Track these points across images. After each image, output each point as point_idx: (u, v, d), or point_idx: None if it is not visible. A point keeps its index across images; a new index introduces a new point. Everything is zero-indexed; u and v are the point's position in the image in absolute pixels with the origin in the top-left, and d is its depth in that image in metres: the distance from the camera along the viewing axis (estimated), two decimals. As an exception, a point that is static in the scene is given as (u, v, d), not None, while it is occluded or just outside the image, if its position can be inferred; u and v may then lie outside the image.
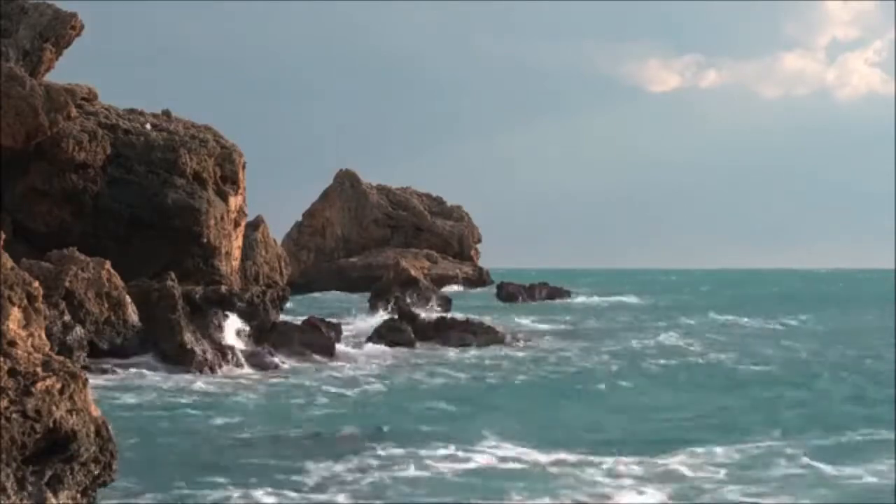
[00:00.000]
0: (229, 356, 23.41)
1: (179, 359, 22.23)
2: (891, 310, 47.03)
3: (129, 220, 28.81)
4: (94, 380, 16.54)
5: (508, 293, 59.64)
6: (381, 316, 35.20)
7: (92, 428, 7.27)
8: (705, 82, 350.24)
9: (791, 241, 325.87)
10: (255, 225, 37.13)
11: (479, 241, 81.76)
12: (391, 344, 28.17)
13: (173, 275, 24.09)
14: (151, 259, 27.58)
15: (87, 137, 28.32)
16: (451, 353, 27.04)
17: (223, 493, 10.90)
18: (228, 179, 31.00)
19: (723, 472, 12.13)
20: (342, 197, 79.06)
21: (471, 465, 12.38)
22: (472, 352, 27.36)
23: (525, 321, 39.02)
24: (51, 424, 7.01)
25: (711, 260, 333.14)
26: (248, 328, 25.27)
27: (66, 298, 21.32)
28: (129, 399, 17.73)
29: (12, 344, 7.26)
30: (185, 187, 29.57)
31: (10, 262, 7.74)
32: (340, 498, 10.85)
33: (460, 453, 12.97)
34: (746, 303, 59.05)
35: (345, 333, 29.98)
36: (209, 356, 23.00)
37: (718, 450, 13.40)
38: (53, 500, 7.00)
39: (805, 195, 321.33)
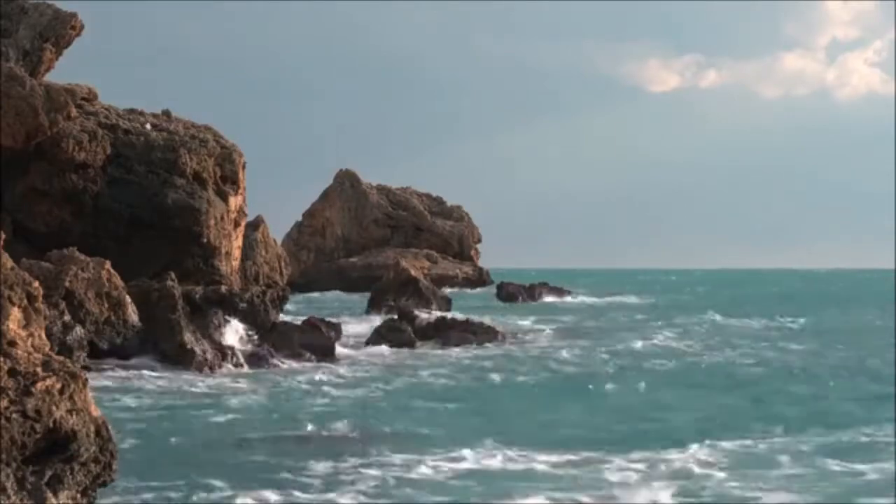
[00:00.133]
0: (229, 356, 23.41)
1: (179, 359, 22.22)
2: (891, 309, 47.04)
3: (129, 220, 28.81)
4: (93, 380, 16.53)
5: (508, 293, 59.66)
6: (381, 316, 35.20)
7: (92, 428, 7.27)
8: (705, 82, 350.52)
9: (791, 241, 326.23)
10: (255, 225, 37.15)
11: (479, 241, 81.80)
12: (391, 344, 28.17)
13: (173, 275, 24.09)
14: (151, 259, 27.58)
15: (87, 137, 28.33)
16: (451, 352, 27.03)
17: (223, 494, 10.89)
18: (228, 179, 31.01)
19: (725, 469, 12.12)
20: (342, 197, 79.08)
21: (472, 466, 12.36)
22: (472, 352, 27.35)
23: (525, 321, 39.01)
24: (51, 424, 7.00)
25: (711, 260, 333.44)
26: (247, 328, 25.28)
27: (66, 298, 21.31)
28: (129, 399, 17.72)
29: (12, 344, 7.26)
30: (185, 187, 29.58)
31: (10, 262, 7.74)
32: (341, 498, 10.84)
33: (461, 454, 12.95)
34: (745, 303, 59.04)
35: (345, 333, 29.99)
36: (209, 356, 22.99)
37: (722, 446, 13.40)
38: (53, 500, 6.99)
39: (805, 195, 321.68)
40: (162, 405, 17.19)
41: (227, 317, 24.69)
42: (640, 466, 12.30)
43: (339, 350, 26.57)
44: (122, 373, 20.81)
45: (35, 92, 26.58)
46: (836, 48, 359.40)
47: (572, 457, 12.80)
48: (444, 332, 31.45)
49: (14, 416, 6.85)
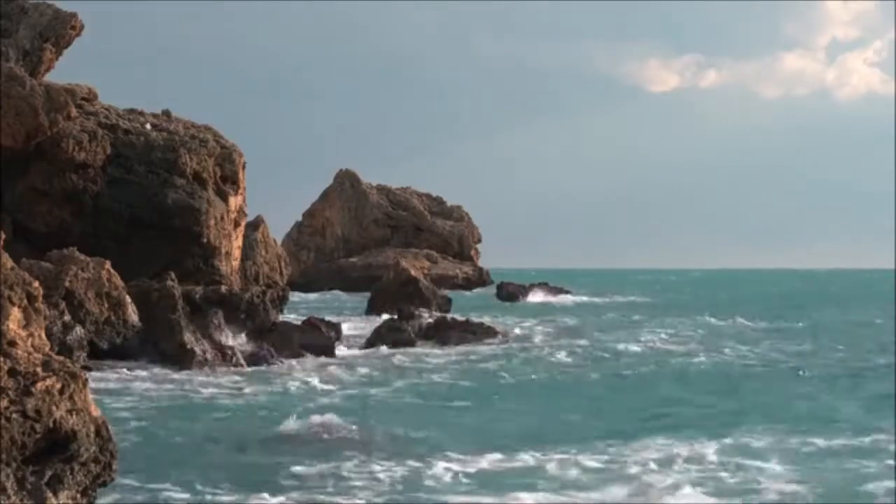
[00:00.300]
0: (229, 356, 23.41)
1: (179, 359, 22.23)
2: (890, 309, 47.06)
3: (129, 220, 28.81)
4: (93, 380, 16.53)
5: (508, 293, 59.72)
6: (382, 316, 35.20)
7: (92, 428, 7.27)
8: (705, 82, 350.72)
9: (791, 241, 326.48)
10: (255, 225, 37.14)
11: (479, 241, 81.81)
12: (391, 344, 28.17)
13: (173, 275, 24.09)
14: (151, 259, 27.58)
15: (87, 137, 28.32)
16: (451, 353, 27.03)
17: (223, 494, 10.89)
18: (228, 179, 31.00)
19: (717, 465, 12.13)
20: (342, 197, 79.08)
21: (474, 467, 12.35)
22: (472, 352, 27.35)
23: (525, 321, 39.01)
24: (51, 424, 7.00)
25: (711, 260, 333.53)
26: (247, 329, 25.30)
27: (66, 298, 21.31)
28: (129, 399, 17.71)
29: (12, 344, 7.26)
30: (185, 187, 29.57)
31: (10, 262, 7.74)
32: (342, 500, 10.84)
33: (461, 454, 12.94)
34: (743, 303, 59.07)
35: (345, 333, 30.00)
36: (209, 356, 22.99)
37: (714, 444, 13.41)
38: (53, 500, 6.99)
39: (805, 195, 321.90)
40: (161, 405, 17.19)
41: (228, 325, 24.72)
42: (652, 454, 12.31)
43: (340, 350, 26.59)
44: (122, 373, 20.81)
45: (35, 92, 26.58)
46: (836, 48, 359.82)
47: (565, 456, 12.81)
48: (444, 332, 31.45)
49: (14, 416, 6.85)
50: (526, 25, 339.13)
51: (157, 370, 21.33)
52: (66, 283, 21.47)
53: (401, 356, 25.78)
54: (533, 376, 22.61)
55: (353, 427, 14.97)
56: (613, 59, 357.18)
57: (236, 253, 31.54)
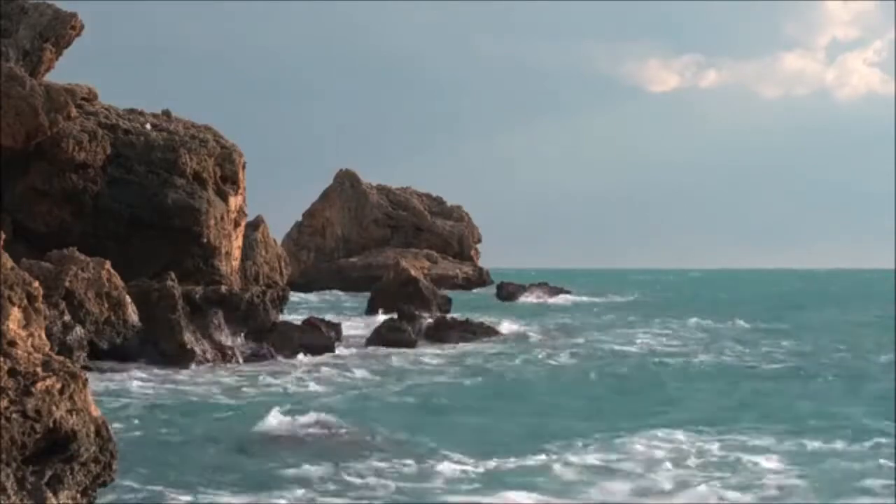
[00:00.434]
0: (229, 356, 23.41)
1: (179, 359, 22.23)
2: (890, 309, 47.06)
3: (129, 220, 28.80)
4: (93, 380, 16.53)
5: (508, 293, 59.75)
6: (382, 316, 35.19)
7: (92, 428, 7.27)
8: (705, 82, 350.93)
9: (791, 241, 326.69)
10: (255, 225, 37.13)
11: (479, 241, 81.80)
12: (391, 344, 28.18)
13: (173, 275, 24.09)
14: (151, 259, 27.58)
15: (87, 137, 28.31)
16: (451, 353, 27.04)
17: (223, 495, 10.90)
18: (228, 179, 31.00)
19: (717, 464, 12.14)
20: (342, 197, 79.07)
21: (473, 467, 12.35)
22: (472, 352, 27.36)
23: (525, 321, 39.00)
24: (51, 424, 7.01)
25: (711, 260, 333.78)
26: (247, 329, 25.29)
27: (66, 298, 21.31)
28: (128, 399, 17.72)
29: (12, 344, 7.26)
30: (185, 187, 29.57)
31: (10, 262, 7.74)
32: (340, 499, 10.85)
33: (462, 454, 12.94)
34: (743, 303, 59.09)
35: (345, 334, 30.00)
36: (209, 356, 23.00)
37: (714, 444, 13.42)
38: (53, 500, 7.00)
39: (805, 195, 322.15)
40: (160, 405, 17.18)
41: (228, 324, 24.72)
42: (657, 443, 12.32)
43: (340, 350, 26.59)
44: (122, 373, 20.81)
45: (35, 92, 26.58)
46: (836, 48, 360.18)
47: (565, 455, 12.81)
48: (444, 333, 31.46)
49: (14, 416, 6.86)
50: (526, 25, 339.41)
51: (156, 370, 21.33)
52: (66, 283, 21.47)
53: (400, 356, 25.78)
54: (531, 376, 22.62)
55: (353, 427, 14.97)
56: (613, 59, 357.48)
57: (236, 253, 31.53)
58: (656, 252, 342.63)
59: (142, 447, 13.14)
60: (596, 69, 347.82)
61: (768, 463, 12.54)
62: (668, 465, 12.41)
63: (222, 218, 30.12)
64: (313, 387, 20.01)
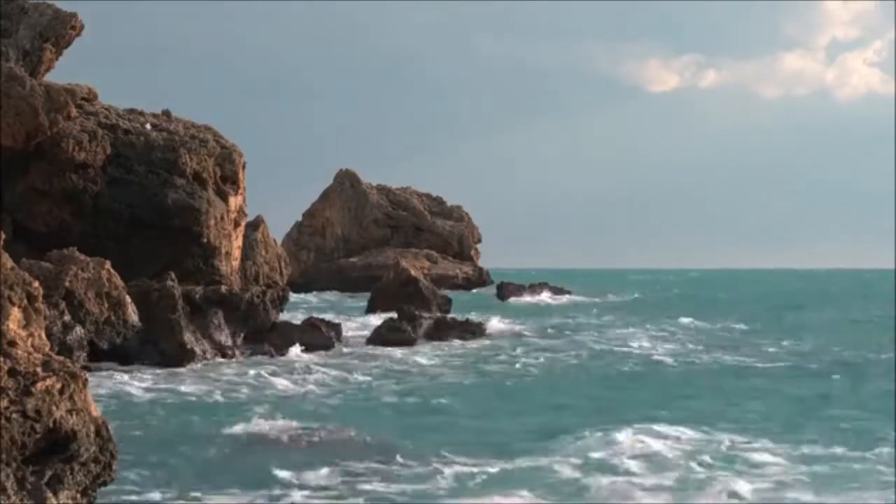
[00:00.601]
0: (229, 356, 23.41)
1: (179, 359, 22.23)
2: (890, 309, 47.07)
3: (129, 220, 28.80)
4: (93, 380, 16.54)
5: (508, 293, 59.77)
6: (382, 316, 35.19)
7: (92, 428, 7.27)
8: (705, 82, 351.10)
9: (791, 241, 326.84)
10: (255, 225, 37.12)
11: (479, 241, 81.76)
12: (391, 344, 28.18)
13: (173, 275, 24.09)
14: (151, 259, 27.58)
15: (87, 137, 28.32)
16: (451, 353, 27.05)
17: (223, 496, 10.90)
18: (228, 179, 31.00)
19: (714, 463, 12.15)
20: (342, 197, 79.04)
21: (472, 467, 12.36)
22: (472, 352, 27.37)
23: (525, 321, 39.01)
24: (51, 424, 7.01)
25: (711, 260, 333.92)
26: (247, 329, 25.29)
27: (66, 298, 21.32)
28: (129, 399, 17.72)
29: (12, 344, 7.26)
30: (185, 187, 29.57)
31: (10, 262, 7.74)
32: (338, 500, 10.86)
33: (463, 455, 12.94)
34: (742, 303, 59.13)
35: (345, 334, 30.01)
36: (209, 356, 23.00)
37: (712, 443, 13.44)
38: (53, 500, 7.00)
39: (805, 195, 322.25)
40: (161, 405, 17.19)
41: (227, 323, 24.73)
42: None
43: (340, 350, 26.59)
44: (122, 373, 20.81)
45: (35, 92, 26.58)
46: (836, 48, 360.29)
47: (564, 455, 12.83)
48: (443, 332, 31.47)
49: (14, 416, 6.86)
50: (526, 25, 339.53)
51: (156, 370, 21.33)
52: (66, 283, 21.47)
53: (400, 356, 25.79)
54: (530, 376, 22.62)
55: (352, 428, 14.98)
56: (613, 59, 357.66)
57: (236, 253, 31.53)
58: (656, 252, 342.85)
59: (141, 447, 13.13)
60: (596, 69, 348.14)
61: (766, 464, 12.55)
62: (666, 464, 12.42)
63: (222, 218, 30.13)
64: (313, 387, 20.01)
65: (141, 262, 26.88)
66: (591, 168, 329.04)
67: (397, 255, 62.54)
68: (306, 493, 11.01)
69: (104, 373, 20.54)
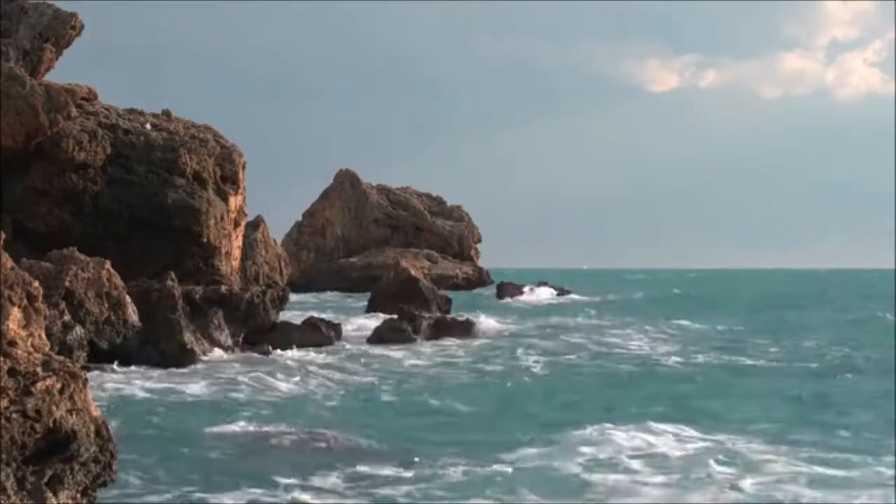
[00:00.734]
0: (229, 356, 23.40)
1: (179, 359, 22.23)
2: (890, 308, 47.07)
3: (129, 220, 28.79)
4: (93, 380, 16.56)
5: (508, 293, 59.82)
6: (382, 316, 35.18)
7: (92, 428, 7.27)
8: (705, 82, 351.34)
9: (791, 241, 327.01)
10: (255, 225, 37.12)
11: (479, 241, 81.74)
12: (392, 344, 28.18)
13: (173, 275, 24.09)
14: (151, 259, 27.57)
15: (87, 137, 28.31)
16: (451, 353, 27.04)
17: (221, 496, 10.90)
18: (228, 179, 30.99)
19: (710, 462, 12.15)
20: (342, 197, 79.03)
21: (474, 467, 12.35)
22: (472, 352, 27.36)
23: (524, 321, 39.03)
24: (51, 424, 7.01)
25: (711, 260, 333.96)
26: (247, 329, 25.29)
27: (66, 298, 21.31)
28: (129, 399, 17.71)
29: (12, 344, 7.26)
30: (185, 187, 29.56)
31: (10, 262, 7.74)
32: (343, 501, 10.86)
33: (462, 456, 12.94)
34: (742, 303, 59.12)
35: (345, 334, 30.02)
36: (209, 356, 22.99)
37: (709, 442, 13.44)
38: (53, 500, 6.99)
39: (805, 195, 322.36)
40: (161, 406, 17.18)
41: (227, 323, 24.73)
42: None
43: (340, 350, 26.58)
44: (122, 373, 20.81)
45: (35, 92, 26.58)
46: (836, 48, 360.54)
47: (561, 455, 12.83)
48: (444, 333, 31.48)
49: (14, 416, 6.86)
50: (526, 25, 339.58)
51: (156, 370, 21.32)
52: (66, 283, 21.47)
53: (400, 356, 25.78)
54: (529, 376, 22.61)
55: (352, 429, 14.98)
56: (613, 59, 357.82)
57: (236, 253, 31.53)
58: (656, 252, 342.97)
59: (141, 447, 13.13)
60: (596, 69, 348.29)
61: (767, 459, 12.55)
62: (667, 463, 12.42)
63: (222, 218, 30.12)
64: (313, 387, 20.00)
65: (141, 262, 26.88)
66: (591, 168, 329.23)
67: (397, 255, 62.54)
68: (307, 493, 11.00)
69: (104, 373, 20.54)
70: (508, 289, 60.75)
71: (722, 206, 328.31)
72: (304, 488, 11.18)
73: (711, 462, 12.56)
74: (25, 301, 7.57)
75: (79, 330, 20.99)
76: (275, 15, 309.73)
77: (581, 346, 29.37)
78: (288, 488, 11.14)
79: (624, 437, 13.99)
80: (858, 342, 31.13)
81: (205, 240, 29.32)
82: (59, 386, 7.11)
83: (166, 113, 32.39)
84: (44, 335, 7.64)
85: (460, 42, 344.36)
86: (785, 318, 44.24)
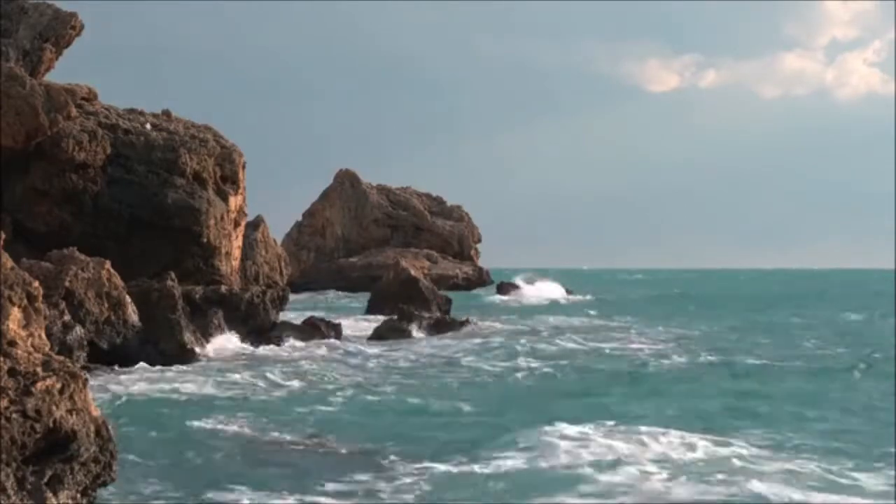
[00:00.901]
0: (229, 356, 23.41)
1: (179, 359, 22.24)
2: (890, 308, 47.08)
3: (129, 220, 28.79)
4: (93, 380, 16.56)
5: (508, 293, 59.89)
6: (382, 316, 35.21)
7: (92, 428, 7.27)
8: (705, 82, 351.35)
9: (791, 241, 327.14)
10: (255, 225, 37.13)
11: (479, 241, 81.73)
12: (391, 344, 28.19)
13: (173, 275, 24.09)
14: (151, 259, 27.58)
15: (87, 137, 28.31)
16: (450, 352, 27.04)
17: (219, 496, 10.90)
18: (228, 179, 31.00)
19: (706, 462, 12.17)
20: (342, 197, 79.03)
21: (482, 468, 12.36)
22: (471, 352, 27.35)
23: (525, 321, 39.03)
24: (51, 424, 7.01)
25: (711, 260, 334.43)
26: (247, 329, 25.29)
27: (66, 298, 21.31)
28: (129, 400, 17.71)
29: (12, 344, 7.26)
30: (185, 187, 29.57)
31: (10, 262, 7.74)
32: (344, 501, 10.86)
33: (462, 456, 12.94)
34: (741, 302, 59.11)
35: (345, 334, 30.02)
36: (209, 356, 23.00)
37: (706, 442, 13.45)
38: (53, 500, 7.00)
39: (805, 195, 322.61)
40: (161, 406, 17.18)
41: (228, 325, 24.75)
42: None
43: (340, 350, 26.59)
44: (122, 373, 20.81)
45: (35, 92, 26.58)
46: (836, 48, 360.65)
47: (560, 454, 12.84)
48: (443, 332, 31.50)
49: (14, 416, 6.86)
50: (526, 25, 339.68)
51: (156, 370, 21.32)
52: (66, 283, 21.47)
53: (400, 356, 25.78)
54: (528, 378, 22.61)
55: (352, 429, 14.99)
56: (613, 59, 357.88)
57: (236, 253, 31.53)
58: (656, 252, 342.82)
59: (141, 447, 13.14)
60: (596, 69, 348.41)
61: (767, 457, 12.55)
62: (667, 461, 12.42)
63: (222, 218, 30.12)
64: (312, 388, 20.00)
65: (141, 262, 26.88)
66: (591, 168, 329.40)
67: (397, 254, 62.53)
68: (308, 494, 11.00)
69: (104, 373, 20.54)
70: (508, 288, 60.84)
71: (722, 206, 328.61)
72: (305, 489, 11.18)
73: (711, 462, 12.57)
74: (25, 301, 7.58)
75: (79, 330, 20.99)
76: (275, 15, 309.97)
77: (580, 346, 29.36)
78: (289, 488, 11.14)
79: (624, 436, 13.99)
80: (858, 342, 31.13)
81: (205, 240, 29.33)
82: (59, 386, 7.11)
83: (166, 113, 32.39)
84: (44, 335, 7.65)
85: (460, 42, 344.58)
86: (784, 318, 44.25)
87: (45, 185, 28.06)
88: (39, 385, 7.02)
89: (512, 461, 12.64)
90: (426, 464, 12.40)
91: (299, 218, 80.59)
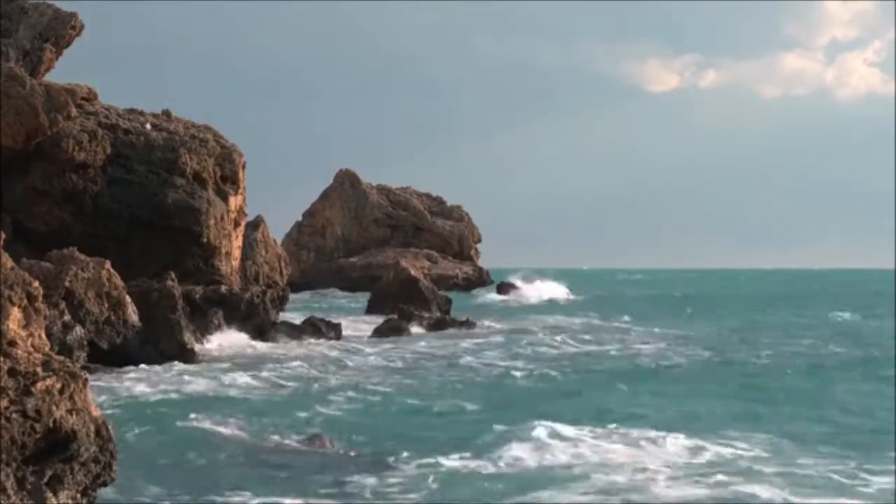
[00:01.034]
0: (230, 356, 23.41)
1: (179, 359, 22.23)
2: (890, 308, 47.08)
3: (129, 220, 28.80)
4: (93, 380, 16.56)
5: (508, 292, 59.96)
6: (382, 316, 35.22)
7: (92, 428, 7.27)
8: (705, 82, 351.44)
9: (791, 241, 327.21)
10: (255, 225, 37.14)
11: (479, 241, 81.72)
12: (392, 344, 28.19)
13: (173, 275, 24.09)
14: (151, 259, 27.58)
15: (87, 137, 28.31)
16: (450, 352, 27.04)
17: (219, 496, 10.90)
18: (228, 179, 31.00)
19: (706, 462, 12.17)
20: (342, 197, 79.03)
21: (483, 468, 12.35)
22: (470, 352, 27.35)
23: (525, 321, 39.03)
24: (51, 424, 7.01)
25: (711, 260, 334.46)
26: (247, 329, 25.29)
27: (66, 298, 21.31)
28: (129, 400, 17.71)
29: (12, 344, 7.26)
30: (185, 187, 29.56)
31: (10, 262, 7.74)
32: (346, 501, 10.86)
33: (467, 452, 12.94)
34: (741, 302, 59.11)
35: (344, 333, 30.02)
36: (209, 356, 23.00)
37: (704, 442, 13.45)
38: (53, 500, 6.99)
39: (805, 195, 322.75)
40: (161, 406, 17.18)
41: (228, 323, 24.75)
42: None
43: (339, 350, 26.59)
44: (122, 373, 20.80)
45: (35, 92, 26.58)
46: (836, 48, 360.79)
47: (558, 454, 12.83)
48: (443, 332, 31.51)
49: (14, 416, 6.86)
50: (526, 25, 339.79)
51: (156, 370, 21.31)
52: (66, 283, 21.47)
53: (400, 356, 25.77)
54: (528, 378, 22.60)
55: (353, 429, 14.98)
56: (613, 59, 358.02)
57: (236, 253, 31.54)
58: (656, 252, 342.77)
59: (141, 447, 13.14)
60: (596, 69, 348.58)
61: (767, 457, 12.55)
62: (668, 461, 12.42)
63: (222, 218, 30.13)
64: (311, 387, 20.00)
65: (141, 262, 26.88)
66: (591, 168, 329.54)
67: (397, 254, 62.53)
68: (308, 493, 11.00)
69: (104, 373, 20.54)
70: (508, 288, 60.90)
71: (722, 206, 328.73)
72: (306, 489, 11.18)
73: (711, 462, 12.58)
74: (25, 301, 7.57)
75: (79, 330, 20.98)
76: (275, 15, 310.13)
77: (580, 347, 29.36)
78: (289, 488, 11.14)
79: (624, 436, 14.00)
80: (858, 342, 31.13)
81: (205, 240, 29.33)
82: (59, 386, 7.11)
83: (166, 113, 32.39)
84: (44, 335, 7.64)
85: (460, 42, 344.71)
86: (785, 318, 44.25)
87: (45, 185, 28.06)
88: (39, 385, 7.02)
89: (512, 461, 12.64)
90: (426, 463, 12.40)
91: (299, 218, 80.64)
